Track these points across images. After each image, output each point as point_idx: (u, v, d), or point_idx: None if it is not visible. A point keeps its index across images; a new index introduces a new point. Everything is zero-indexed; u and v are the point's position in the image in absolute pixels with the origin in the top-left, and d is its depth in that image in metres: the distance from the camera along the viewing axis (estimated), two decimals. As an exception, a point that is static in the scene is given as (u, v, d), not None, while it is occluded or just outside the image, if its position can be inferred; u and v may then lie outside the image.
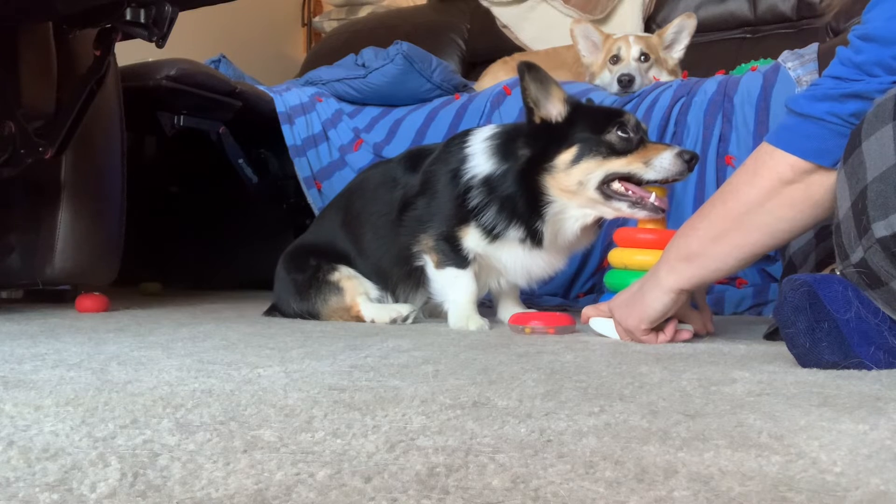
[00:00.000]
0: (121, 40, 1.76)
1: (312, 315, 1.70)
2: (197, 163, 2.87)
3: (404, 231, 1.61)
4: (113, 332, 1.41)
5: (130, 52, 2.15)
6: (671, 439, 0.61)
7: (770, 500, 0.47)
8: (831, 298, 0.95)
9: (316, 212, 2.45)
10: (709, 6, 3.08)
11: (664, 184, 1.43)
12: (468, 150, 1.55)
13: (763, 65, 2.30)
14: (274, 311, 1.81)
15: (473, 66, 3.40)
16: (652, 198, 1.41)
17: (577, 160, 1.43)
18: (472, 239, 1.53)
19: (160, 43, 1.64)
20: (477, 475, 0.52)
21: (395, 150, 2.38)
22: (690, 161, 1.39)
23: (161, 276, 2.76)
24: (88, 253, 1.97)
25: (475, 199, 1.50)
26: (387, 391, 0.81)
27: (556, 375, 0.92)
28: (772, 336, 1.30)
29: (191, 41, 3.00)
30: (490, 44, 3.35)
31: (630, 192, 1.42)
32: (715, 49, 2.97)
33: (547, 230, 1.49)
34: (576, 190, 1.44)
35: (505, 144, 1.51)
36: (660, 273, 1.20)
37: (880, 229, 0.90)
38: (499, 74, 2.80)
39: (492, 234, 1.51)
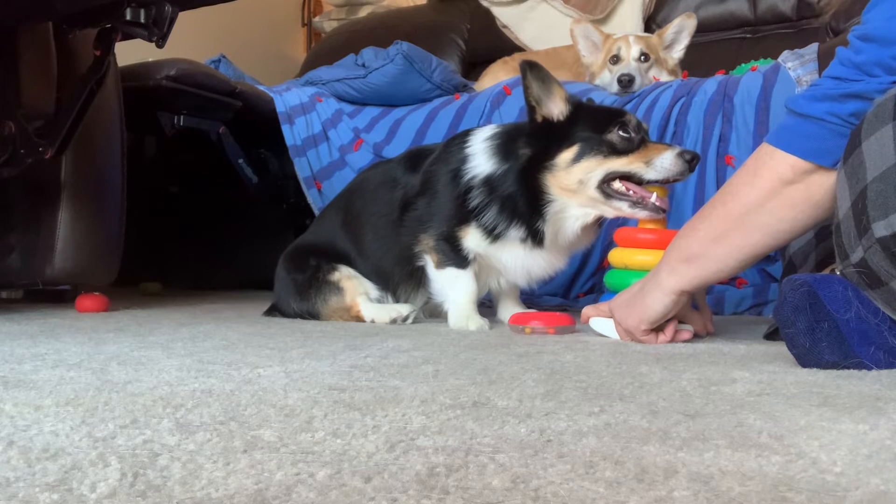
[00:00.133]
0: (121, 40, 1.76)
1: (312, 315, 1.70)
2: (197, 163, 2.87)
3: (405, 231, 1.61)
4: (113, 332, 1.41)
5: (130, 52, 2.15)
6: (671, 439, 0.61)
7: (770, 500, 0.47)
8: (831, 298, 0.95)
9: (316, 212, 2.45)
10: (709, 6, 3.08)
11: (665, 184, 1.43)
12: (468, 150, 1.55)
13: (763, 65, 2.30)
14: (274, 311, 1.81)
15: (473, 66, 3.40)
16: (653, 198, 1.41)
17: (578, 159, 1.43)
18: (472, 239, 1.53)
19: (160, 43, 1.64)
20: (477, 475, 0.52)
21: (395, 150, 2.38)
22: (691, 161, 1.39)
23: (161, 276, 2.76)
24: (88, 253, 1.97)
25: (476, 199, 1.50)
26: (387, 391, 0.81)
27: (556, 375, 0.92)
28: (772, 336, 1.30)
29: (191, 41, 3.00)
30: (490, 44, 3.35)
31: (631, 192, 1.42)
32: (715, 49, 2.97)
33: (548, 230, 1.49)
34: (576, 189, 1.44)
35: (505, 144, 1.51)
36: (661, 274, 1.20)
37: (880, 229, 0.90)
38: (499, 74, 2.80)
39: (492, 234, 1.51)
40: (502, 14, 3.35)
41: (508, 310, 1.66)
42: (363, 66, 2.68)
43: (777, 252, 1.62)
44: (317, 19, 4.38)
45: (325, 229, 1.81)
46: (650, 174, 1.40)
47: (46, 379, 0.89)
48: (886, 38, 0.96)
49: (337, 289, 1.67)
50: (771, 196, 1.06)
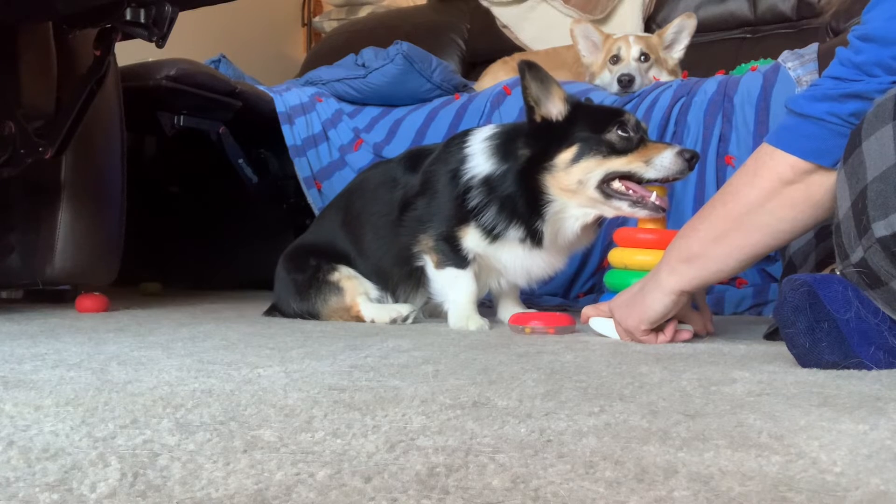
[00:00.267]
0: (121, 40, 1.76)
1: (312, 315, 1.70)
2: (197, 163, 2.87)
3: (404, 231, 1.61)
4: (113, 332, 1.41)
5: (130, 52, 2.15)
6: (671, 439, 0.61)
7: (770, 500, 0.47)
8: (831, 298, 0.95)
9: (316, 212, 2.45)
10: (709, 6, 3.08)
11: (664, 183, 1.43)
12: (468, 150, 1.55)
13: (763, 65, 2.30)
14: (274, 311, 1.81)
15: (473, 66, 3.40)
16: (653, 197, 1.41)
17: (577, 159, 1.43)
18: (471, 239, 1.53)
19: (160, 43, 1.64)
20: (477, 475, 0.52)
21: (395, 150, 2.38)
22: (691, 160, 1.39)
23: (161, 276, 2.76)
24: (88, 253, 1.97)
25: (475, 199, 1.50)
26: (387, 391, 0.81)
27: (556, 375, 0.92)
28: (772, 336, 1.30)
29: (191, 41, 3.00)
30: (490, 44, 3.35)
31: (631, 192, 1.42)
32: (715, 49, 2.97)
33: (547, 230, 1.49)
34: (576, 189, 1.44)
35: (504, 144, 1.51)
36: (661, 274, 1.20)
37: (880, 229, 0.90)
38: (499, 74, 2.80)
39: (492, 235, 1.51)
40: (502, 14, 3.35)
41: (508, 310, 1.66)
42: (363, 66, 2.68)
43: (777, 252, 1.62)
44: (317, 19, 4.38)
45: (325, 229, 1.82)
46: (650, 173, 1.40)
47: (46, 379, 0.89)
48: (886, 39, 0.96)
49: (337, 289, 1.67)
50: (771, 196, 1.06)
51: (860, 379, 0.88)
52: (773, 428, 0.65)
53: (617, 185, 1.43)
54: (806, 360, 0.97)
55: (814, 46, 2.16)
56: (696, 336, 1.33)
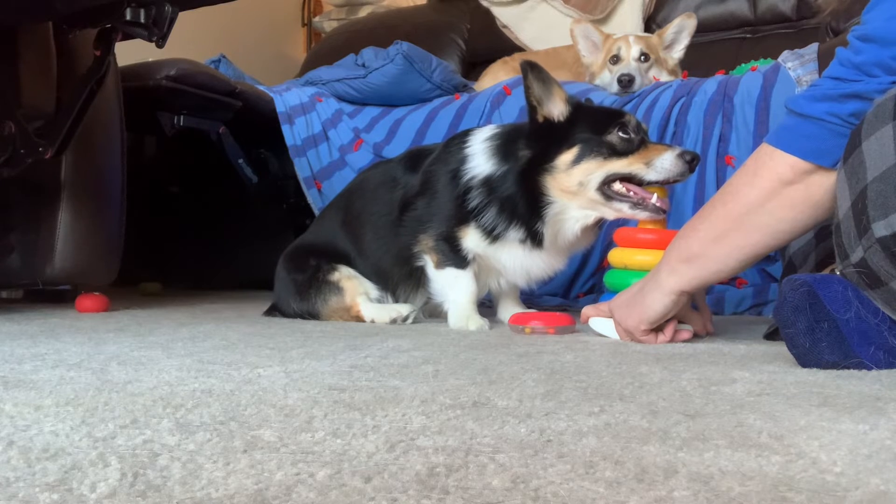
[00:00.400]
0: (121, 40, 1.76)
1: (312, 315, 1.70)
2: (197, 163, 2.87)
3: (404, 231, 1.61)
4: (113, 332, 1.41)
5: (130, 52, 2.15)
6: (671, 439, 0.61)
7: (770, 500, 0.47)
8: (831, 298, 0.95)
9: (316, 212, 2.45)
10: (709, 6, 3.08)
11: (665, 184, 1.43)
12: (468, 151, 1.55)
13: (763, 65, 2.30)
14: (274, 311, 1.81)
15: (473, 66, 3.40)
16: (653, 198, 1.41)
17: (577, 161, 1.43)
18: (471, 239, 1.53)
19: (160, 43, 1.64)
20: (477, 475, 0.52)
21: (395, 150, 2.38)
22: (692, 162, 1.39)
23: (161, 276, 2.76)
24: (88, 253, 1.97)
25: (475, 199, 1.50)
26: (387, 391, 0.81)
27: (556, 375, 0.92)
28: (772, 336, 1.30)
29: (191, 41, 2.99)
30: (490, 44, 3.35)
31: (631, 193, 1.42)
32: (715, 49, 2.97)
33: (547, 231, 1.49)
34: (576, 191, 1.44)
35: (505, 145, 1.51)
36: (661, 274, 1.20)
37: (880, 229, 0.90)
38: (499, 74, 2.80)
39: (492, 235, 1.51)
40: (502, 14, 3.35)
41: (508, 310, 1.66)
42: (363, 66, 2.68)
43: (777, 252, 1.62)
44: (317, 19, 4.38)
45: (325, 229, 1.82)
46: (650, 175, 1.40)
47: (46, 379, 0.89)
48: (886, 39, 0.96)
49: (337, 289, 1.67)
50: (771, 196, 1.06)
51: (860, 379, 0.88)
52: (773, 428, 0.65)
53: (618, 186, 1.43)
54: (806, 360, 0.97)
55: (814, 46, 2.16)
56: (696, 336, 1.33)
